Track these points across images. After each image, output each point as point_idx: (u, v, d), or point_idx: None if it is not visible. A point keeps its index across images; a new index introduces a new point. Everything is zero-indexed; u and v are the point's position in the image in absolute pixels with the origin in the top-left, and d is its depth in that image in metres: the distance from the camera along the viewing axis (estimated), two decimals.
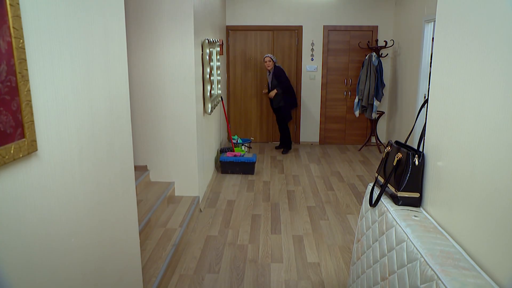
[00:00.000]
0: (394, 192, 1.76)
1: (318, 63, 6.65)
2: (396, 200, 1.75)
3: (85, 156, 1.52)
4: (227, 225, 3.72)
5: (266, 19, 6.54)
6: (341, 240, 3.40)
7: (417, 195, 1.74)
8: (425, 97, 5.08)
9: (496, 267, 1.22)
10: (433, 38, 4.88)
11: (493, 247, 1.24)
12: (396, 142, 1.91)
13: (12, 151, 1.06)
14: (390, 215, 1.68)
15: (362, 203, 2.08)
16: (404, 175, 1.72)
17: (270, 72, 6.04)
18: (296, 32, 6.59)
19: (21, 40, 1.08)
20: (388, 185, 1.83)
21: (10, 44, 1.04)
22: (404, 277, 1.43)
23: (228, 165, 5.18)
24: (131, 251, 2.06)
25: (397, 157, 1.79)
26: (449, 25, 1.55)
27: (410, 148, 1.81)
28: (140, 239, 2.36)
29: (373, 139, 6.71)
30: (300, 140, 6.94)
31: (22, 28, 1.09)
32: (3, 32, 1.02)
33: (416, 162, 1.71)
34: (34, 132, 1.16)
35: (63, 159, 1.37)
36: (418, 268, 1.34)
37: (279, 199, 4.37)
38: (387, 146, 1.95)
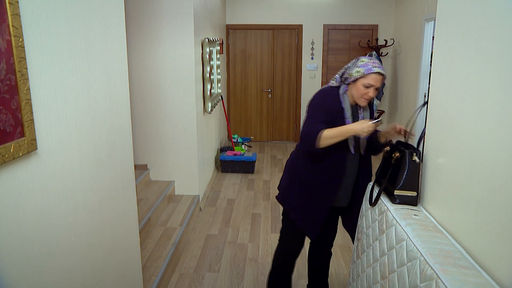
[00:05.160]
0: (391, 190, 1.76)
1: (318, 62, 6.65)
2: (393, 198, 1.74)
3: (85, 155, 1.52)
4: (227, 224, 3.72)
5: (266, 18, 6.53)
6: (341, 239, 3.39)
7: (414, 193, 1.73)
8: (425, 97, 5.07)
9: (496, 266, 1.22)
10: (433, 37, 4.87)
11: (493, 245, 1.24)
12: (398, 141, 1.90)
13: (12, 150, 1.06)
14: (390, 214, 1.67)
15: (362, 202, 2.08)
16: (401, 174, 1.72)
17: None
18: (296, 31, 6.58)
19: (21, 39, 1.08)
20: (387, 183, 1.83)
21: (9, 42, 1.04)
22: (404, 276, 1.43)
23: (228, 164, 5.18)
24: (131, 250, 2.07)
25: (394, 156, 1.79)
26: (450, 24, 1.55)
27: (410, 146, 1.81)
28: (140, 238, 2.35)
29: None
30: None
31: (21, 27, 1.08)
32: (2, 31, 1.02)
33: (416, 160, 1.71)
34: (34, 131, 1.16)
35: (63, 158, 1.37)
36: (418, 267, 1.34)
37: None
38: (386, 145, 1.94)
